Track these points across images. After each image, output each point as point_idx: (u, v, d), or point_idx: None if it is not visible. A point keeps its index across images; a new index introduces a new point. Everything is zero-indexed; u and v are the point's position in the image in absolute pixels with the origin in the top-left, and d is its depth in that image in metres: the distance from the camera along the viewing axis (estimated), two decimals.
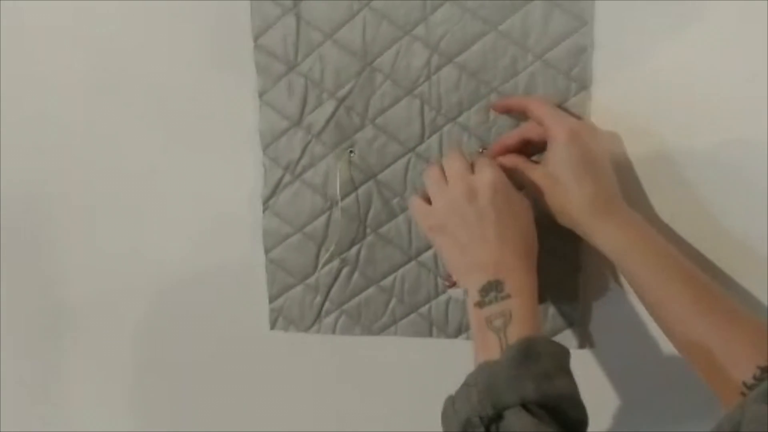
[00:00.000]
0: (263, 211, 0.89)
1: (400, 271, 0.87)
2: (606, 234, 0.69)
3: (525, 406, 0.58)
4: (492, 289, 0.65)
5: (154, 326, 0.98)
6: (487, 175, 0.68)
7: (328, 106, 0.83)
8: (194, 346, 0.98)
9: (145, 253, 0.95)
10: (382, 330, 0.90)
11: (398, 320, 0.89)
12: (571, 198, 0.70)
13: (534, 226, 0.70)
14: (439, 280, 0.85)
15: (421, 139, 0.82)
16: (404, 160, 0.83)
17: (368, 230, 0.86)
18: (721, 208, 0.77)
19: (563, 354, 0.62)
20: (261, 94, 0.85)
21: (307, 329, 0.92)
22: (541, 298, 0.82)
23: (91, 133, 0.92)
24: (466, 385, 0.63)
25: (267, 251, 0.90)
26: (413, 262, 0.86)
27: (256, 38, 0.83)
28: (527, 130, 0.76)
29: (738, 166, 0.75)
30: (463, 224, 0.68)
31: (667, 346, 0.81)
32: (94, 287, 0.98)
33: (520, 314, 0.64)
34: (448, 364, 0.77)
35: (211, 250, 0.93)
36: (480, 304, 0.66)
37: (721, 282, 0.77)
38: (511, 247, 0.66)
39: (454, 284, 0.80)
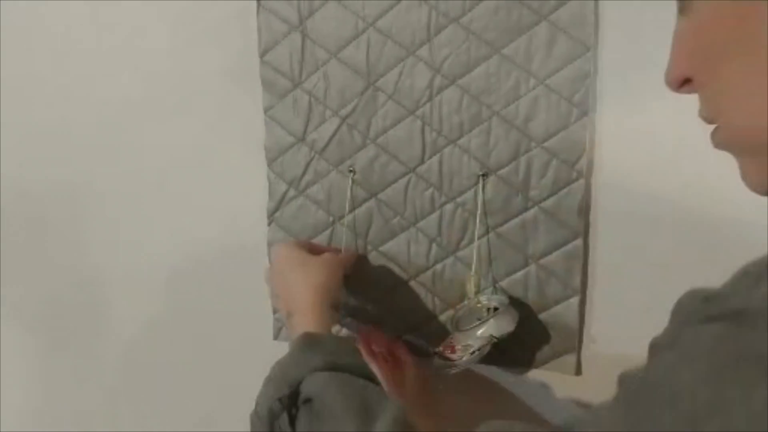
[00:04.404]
0: (268, 224, 0.90)
1: (398, 290, 0.87)
2: None
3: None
4: (288, 318, 0.77)
5: (161, 333, 1.01)
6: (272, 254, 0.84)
7: (331, 124, 0.84)
8: (200, 354, 1.00)
9: (151, 265, 0.98)
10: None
11: None
12: None
13: (324, 276, 0.78)
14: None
15: (422, 159, 0.82)
16: (405, 179, 0.83)
17: (369, 247, 0.87)
18: (732, 237, 0.74)
19: (349, 343, 0.72)
20: (266, 110, 0.86)
21: None
22: (541, 325, 0.83)
23: (103, 145, 0.95)
24: (263, 386, 0.67)
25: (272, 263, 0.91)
26: (412, 282, 0.86)
27: (262, 54, 0.84)
28: None
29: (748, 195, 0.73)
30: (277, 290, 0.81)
31: None
32: (101, 293, 1.01)
33: (302, 325, 0.72)
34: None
35: (218, 260, 0.95)
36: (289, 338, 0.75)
37: None
38: (297, 291, 0.77)
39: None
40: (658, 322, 0.79)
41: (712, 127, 0.46)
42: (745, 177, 0.46)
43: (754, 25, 0.40)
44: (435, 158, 0.82)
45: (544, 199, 0.79)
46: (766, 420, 0.31)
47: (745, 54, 0.41)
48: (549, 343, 0.83)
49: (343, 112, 0.83)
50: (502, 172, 0.79)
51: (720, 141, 0.46)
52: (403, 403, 0.66)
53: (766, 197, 0.47)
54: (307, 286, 0.76)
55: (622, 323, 0.81)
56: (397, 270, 0.86)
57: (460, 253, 0.83)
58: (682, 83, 0.47)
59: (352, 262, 0.85)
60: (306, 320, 0.73)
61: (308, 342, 0.68)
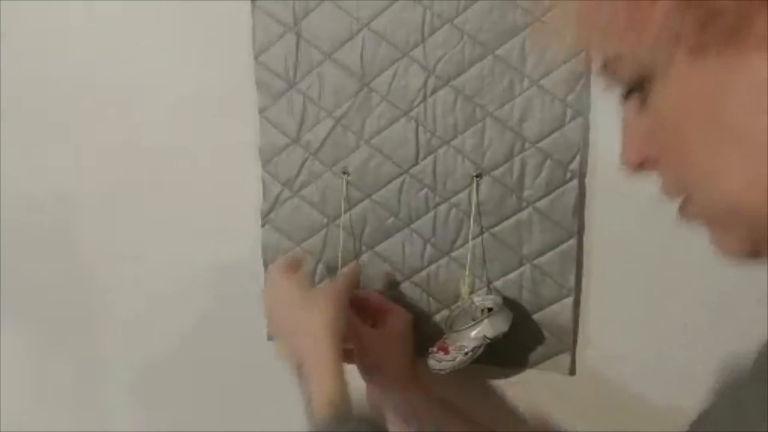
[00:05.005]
0: (262, 225, 0.90)
1: (393, 290, 0.87)
2: None
3: None
4: (298, 368, 0.72)
5: (156, 334, 1.00)
6: (264, 293, 0.80)
7: (326, 125, 0.84)
8: (194, 354, 1.00)
9: (145, 266, 0.97)
10: None
11: None
12: None
13: (330, 312, 0.74)
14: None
15: (416, 160, 0.82)
16: (399, 180, 0.83)
17: (363, 248, 0.87)
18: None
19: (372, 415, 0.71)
20: (261, 111, 0.86)
21: None
22: (535, 325, 0.83)
23: (95, 146, 0.95)
24: None
25: (266, 264, 0.91)
26: (406, 282, 0.86)
27: (257, 55, 0.84)
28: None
29: None
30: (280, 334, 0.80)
31: (657, 377, 0.80)
32: (96, 295, 1.01)
33: (316, 378, 0.70)
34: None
35: (212, 261, 0.95)
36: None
37: None
38: (304, 337, 0.73)
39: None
40: (652, 322, 0.80)
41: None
42: (718, 246, 0.45)
43: (724, 106, 0.38)
44: (429, 159, 0.82)
45: (539, 200, 0.79)
46: None
47: (714, 133, 0.39)
48: (543, 344, 0.84)
49: (338, 113, 0.83)
50: (497, 172, 0.80)
51: (690, 215, 0.45)
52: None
53: None
54: (314, 329, 0.73)
55: (616, 323, 0.81)
56: (391, 270, 0.86)
57: (454, 254, 0.83)
58: (641, 164, 0.46)
59: (355, 282, 0.83)
60: (319, 371, 0.70)
61: (335, 419, 0.66)
